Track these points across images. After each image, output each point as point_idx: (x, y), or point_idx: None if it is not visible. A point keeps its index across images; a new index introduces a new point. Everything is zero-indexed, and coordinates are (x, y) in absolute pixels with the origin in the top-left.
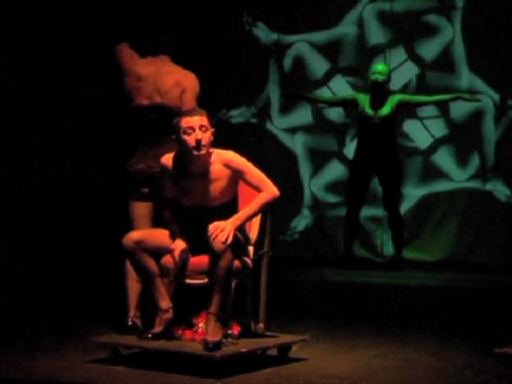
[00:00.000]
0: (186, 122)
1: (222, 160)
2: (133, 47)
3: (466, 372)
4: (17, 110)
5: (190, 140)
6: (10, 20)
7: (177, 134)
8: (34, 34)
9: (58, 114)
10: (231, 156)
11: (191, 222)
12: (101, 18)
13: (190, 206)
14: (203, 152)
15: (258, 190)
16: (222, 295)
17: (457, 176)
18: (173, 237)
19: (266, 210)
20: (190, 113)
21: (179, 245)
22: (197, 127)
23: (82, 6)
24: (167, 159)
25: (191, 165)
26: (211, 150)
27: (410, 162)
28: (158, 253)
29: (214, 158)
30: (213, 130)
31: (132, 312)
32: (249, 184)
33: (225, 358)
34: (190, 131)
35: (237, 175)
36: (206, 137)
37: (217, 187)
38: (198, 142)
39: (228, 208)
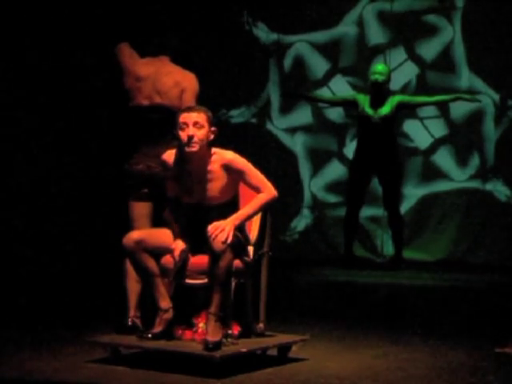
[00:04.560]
0: (182, 117)
1: (222, 160)
2: (133, 47)
3: (466, 372)
4: (16, 110)
5: (183, 135)
6: (9, 17)
7: (175, 128)
8: (34, 33)
9: (57, 113)
10: (231, 156)
11: (191, 221)
12: (102, 17)
13: (190, 204)
14: (194, 149)
15: (257, 190)
16: (221, 295)
17: (457, 176)
18: (173, 237)
19: (266, 210)
20: (188, 109)
21: (179, 245)
22: (191, 123)
23: (84, 5)
24: (169, 155)
25: (188, 162)
26: (213, 149)
27: (410, 162)
28: (158, 253)
29: (214, 157)
30: (214, 128)
31: (132, 312)
32: (248, 184)
33: (225, 358)
34: (184, 127)
35: (236, 175)
36: (200, 134)
37: (216, 186)
38: (190, 138)
39: (228, 208)
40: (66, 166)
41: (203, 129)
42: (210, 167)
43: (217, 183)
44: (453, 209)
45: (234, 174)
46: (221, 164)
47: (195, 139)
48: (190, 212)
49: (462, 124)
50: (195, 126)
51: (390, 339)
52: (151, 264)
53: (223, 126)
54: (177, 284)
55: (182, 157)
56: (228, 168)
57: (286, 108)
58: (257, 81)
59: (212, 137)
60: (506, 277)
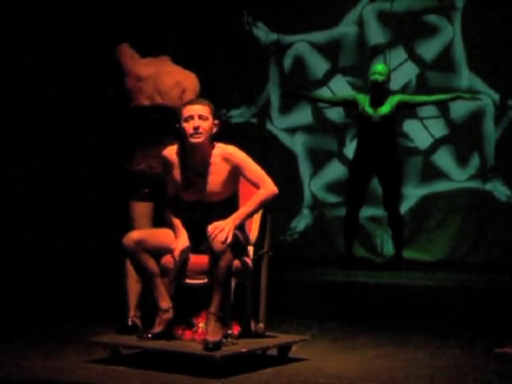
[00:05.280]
0: (187, 110)
1: (223, 153)
2: (134, 47)
3: (466, 371)
4: (16, 110)
5: (188, 127)
6: (10, 16)
7: (179, 122)
8: (35, 33)
9: (57, 113)
10: (231, 150)
11: (192, 221)
12: (102, 17)
13: (191, 201)
14: (200, 139)
15: (256, 186)
16: (221, 295)
17: (457, 176)
18: (174, 236)
19: (266, 210)
20: (192, 101)
21: (179, 245)
22: (196, 116)
23: (84, 5)
24: (170, 151)
25: (192, 155)
26: (215, 143)
27: (410, 162)
28: (158, 253)
29: (215, 151)
30: (217, 121)
31: (132, 312)
32: (247, 180)
33: (225, 358)
34: (189, 119)
35: (236, 170)
36: (205, 125)
37: (217, 181)
38: (196, 128)
39: (228, 207)
40: (66, 166)
41: (208, 121)
42: (211, 160)
43: (217, 177)
44: (453, 209)
45: (233, 169)
46: (222, 157)
47: (201, 130)
48: (191, 210)
49: (462, 124)
50: (200, 118)
51: (390, 339)
52: (151, 264)
53: (223, 126)
54: (177, 284)
55: (184, 151)
56: (228, 161)
57: (286, 108)
58: (257, 81)
59: (215, 129)
60: (506, 277)
